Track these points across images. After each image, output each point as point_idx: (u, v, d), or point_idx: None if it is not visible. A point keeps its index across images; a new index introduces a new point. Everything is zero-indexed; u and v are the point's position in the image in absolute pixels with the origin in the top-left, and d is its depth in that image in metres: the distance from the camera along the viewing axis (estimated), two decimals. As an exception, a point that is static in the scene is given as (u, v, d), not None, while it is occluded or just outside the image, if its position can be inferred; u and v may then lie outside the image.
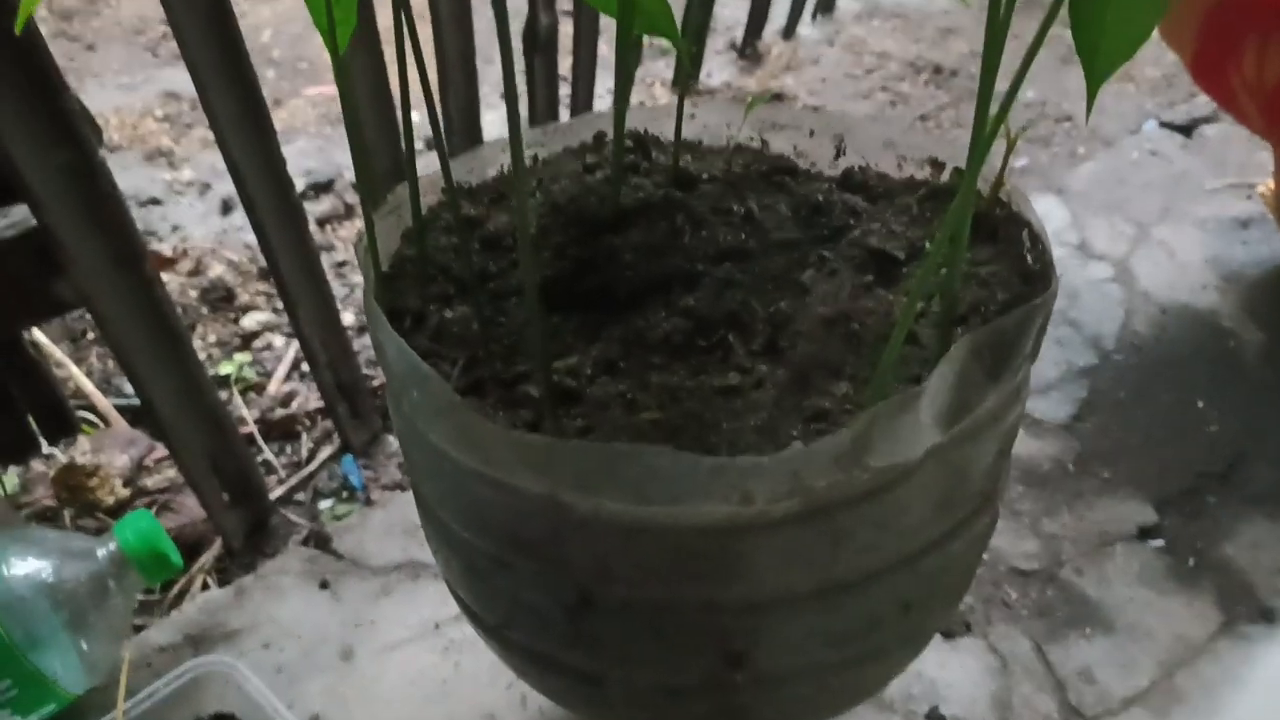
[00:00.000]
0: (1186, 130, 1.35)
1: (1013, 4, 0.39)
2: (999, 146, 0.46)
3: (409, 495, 0.89)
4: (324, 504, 0.96)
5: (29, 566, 0.63)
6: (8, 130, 0.66)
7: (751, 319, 0.49)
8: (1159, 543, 0.82)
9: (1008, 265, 0.48)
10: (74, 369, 1.01)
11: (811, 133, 0.57)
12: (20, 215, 0.71)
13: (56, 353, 1.02)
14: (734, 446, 0.42)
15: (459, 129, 1.14)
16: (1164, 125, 1.38)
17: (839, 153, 0.57)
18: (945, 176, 0.54)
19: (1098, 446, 0.90)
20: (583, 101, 1.41)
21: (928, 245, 0.50)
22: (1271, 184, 1.09)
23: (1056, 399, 0.94)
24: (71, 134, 0.69)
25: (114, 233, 0.73)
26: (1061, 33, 0.35)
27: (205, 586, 0.85)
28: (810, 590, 0.41)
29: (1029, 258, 0.48)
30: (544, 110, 1.27)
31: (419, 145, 1.46)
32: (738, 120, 0.59)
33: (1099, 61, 0.42)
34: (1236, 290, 1.07)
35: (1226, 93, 0.91)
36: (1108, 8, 0.40)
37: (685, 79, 0.56)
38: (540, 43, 1.21)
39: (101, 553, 0.66)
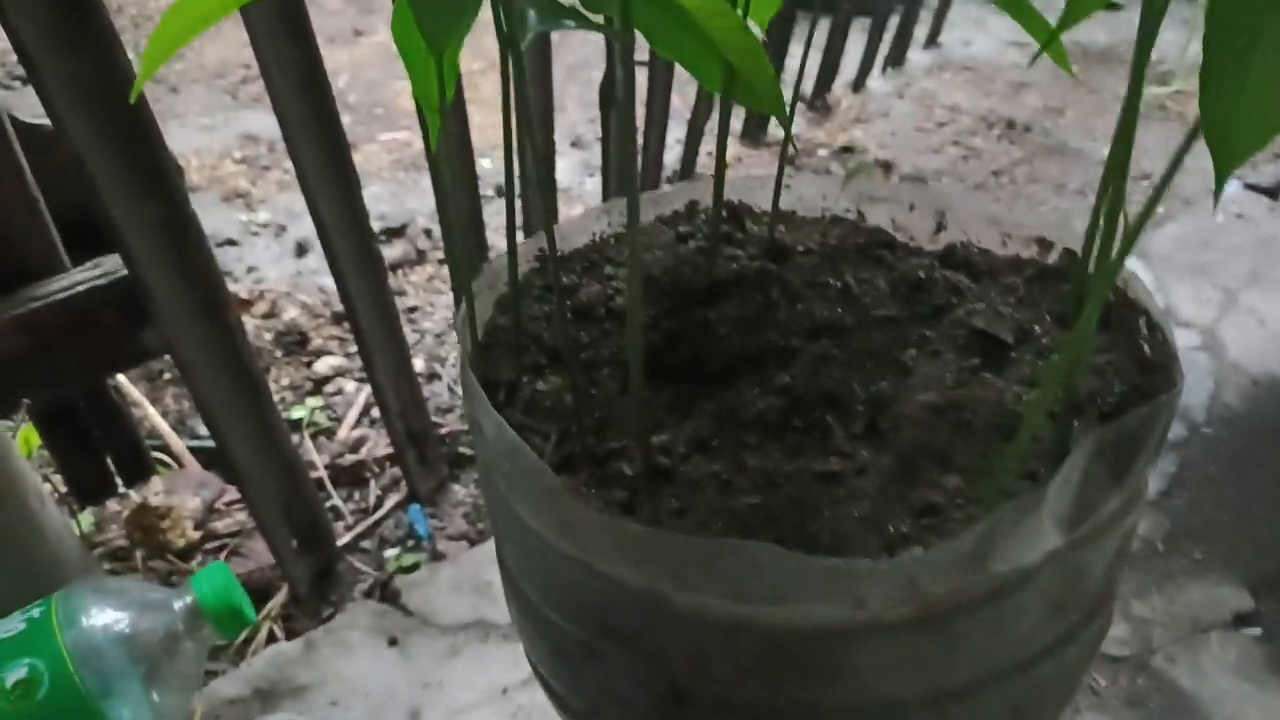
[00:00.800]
0: (1273, 193, 1.31)
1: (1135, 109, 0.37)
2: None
3: (477, 550, 0.88)
4: (390, 552, 0.95)
5: (107, 617, 0.63)
6: (105, 184, 0.67)
7: (850, 399, 0.48)
8: (1256, 631, 0.78)
9: (1124, 354, 0.46)
10: (150, 409, 1.02)
11: (911, 206, 0.56)
12: (112, 265, 0.73)
13: (134, 392, 1.04)
14: (837, 538, 0.41)
15: (535, 179, 1.15)
16: (1249, 187, 1.34)
17: (940, 227, 0.55)
18: (1053, 257, 0.52)
19: (1189, 524, 0.86)
20: (654, 152, 1.41)
21: (1037, 329, 0.48)
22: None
23: (1144, 473, 0.91)
24: (165, 188, 0.70)
25: (200, 283, 0.74)
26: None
27: (271, 634, 0.85)
28: (919, 697, 0.39)
29: (1146, 347, 0.46)
30: (625, 158, 1.27)
31: (489, 192, 1.47)
32: (833, 191, 0.57)
33: (1229, 150, 0.40)
34: (1333, 362, 1.03)
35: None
36: (1243, 94, 0.38)
37: (785, 153, 0.55)
38: (621, 97, 1.21)
39: (178, 605, 0.66)
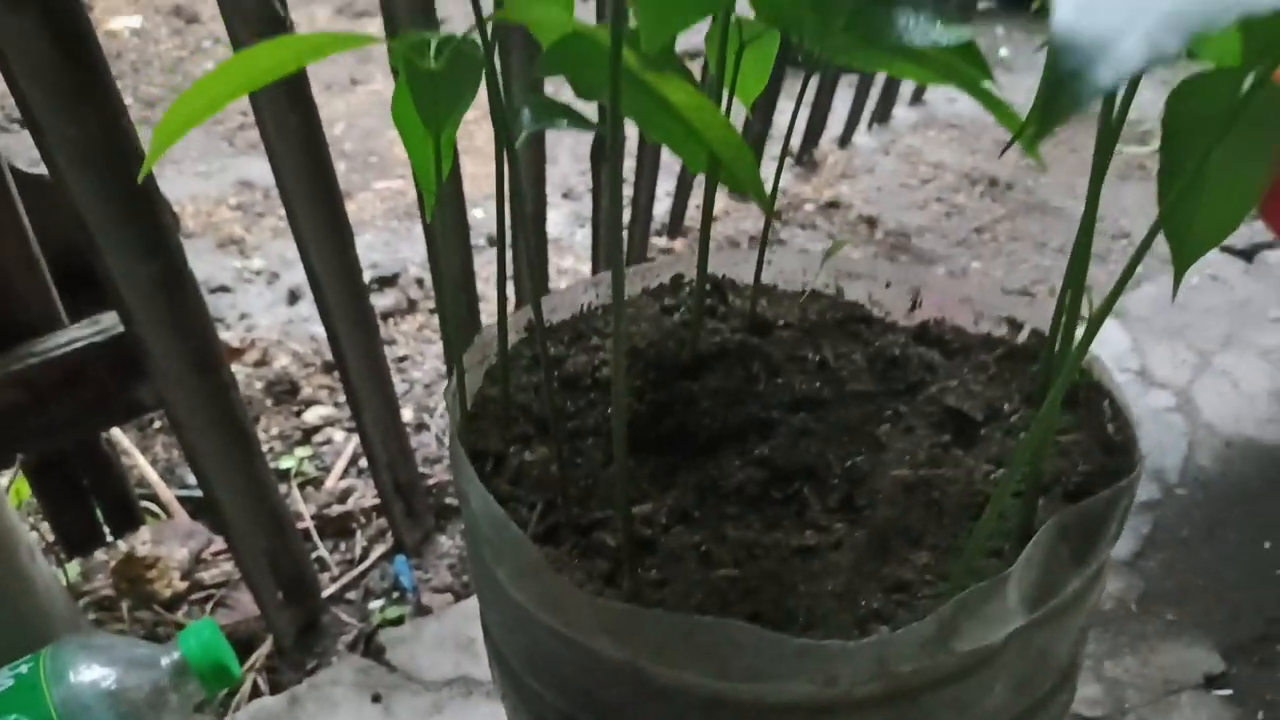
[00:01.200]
0: (1248, 255, 1.34)
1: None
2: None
3: (461, 606, 0.89)
4: (374, 604, 0.96)
5: (94, 674, 0.64)
6: (106, 243, 0.69)
7: (827, 473, 0.49)
8: (1227, 692, 0.79)
9: (1089, 434, 0.48)
10: (140, 458, 1.03)
11: (888, 284, 0.58)
12: (109, 322, 0.74)
13: (124, 441, 1.04)
14: (812, 614, 0.42)
15: (529, 238, 1.17)
16: (1224, 250, 1.37)
17: (915, 304, 0.57)
18: (1023, 336, 0.54)
19: (1162, 586, 0.88)
20: (643, 205, 1.43)
21: (1006, 407, 0.50)
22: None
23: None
24: (165, 246, 0.72)
25: (195, 339, 0.76)
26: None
27: (255, 687, 0.85)
28: (889, 770, 0.40)
29: (1110, 427, 0.48)
30: (608, 214, 1.29)
31: (481, 241, 1.49)
32: (813, 266, 0.60)
33: (1188, 246, 0.43)
34: (1304, 425, 1.05)
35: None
36: (1198, 204, 0.41)
37: (766, 233, 0.57)
38: (608, 153, 1.24)
39: (165, 661, 0.66)
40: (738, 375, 0.54)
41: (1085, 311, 0.43)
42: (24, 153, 0.74)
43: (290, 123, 0.76)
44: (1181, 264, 0.43)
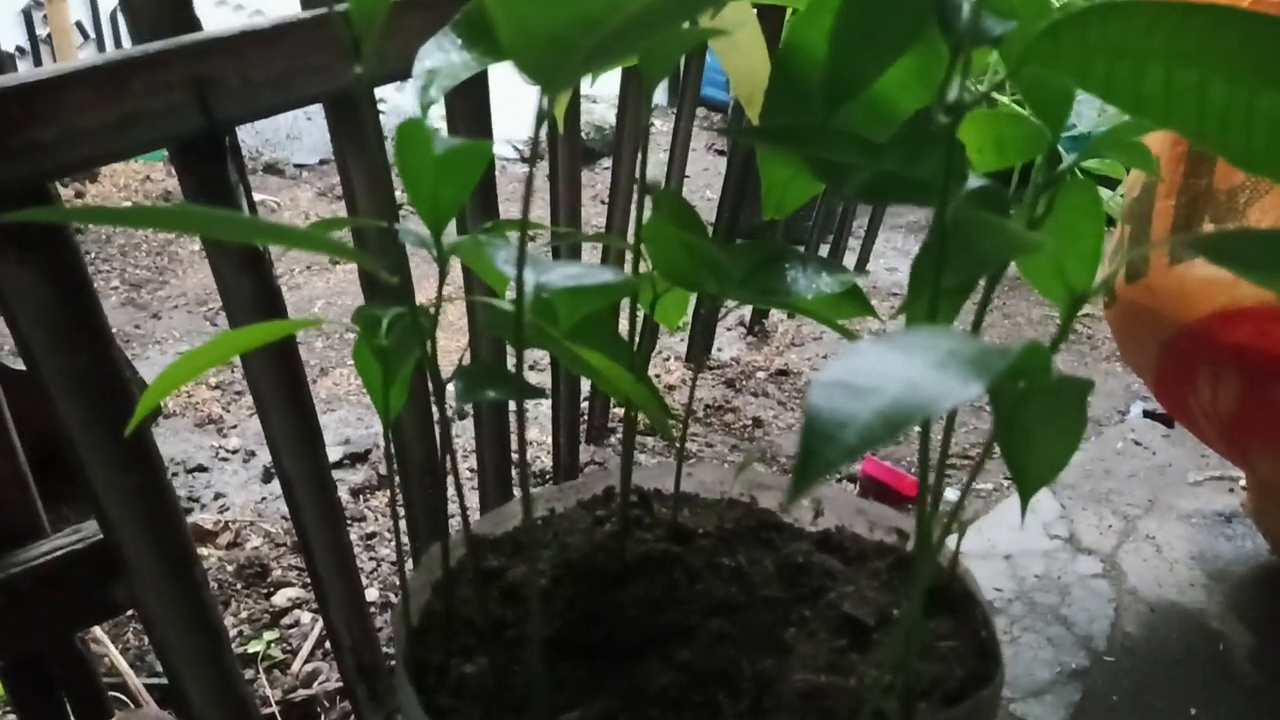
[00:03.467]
0: (1169, 421, 1.43)
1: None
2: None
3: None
4: (336, 791, 0.98)
5: None
6: (92, 461, 0.75)
7: (739, 677, 0.55)
8: None
9: (965, 641, 0.54)
10: (111, 647, 1.06)
11: (794, 495, 0.65)
12: (90, 530, 0.79)
13: (96, 630, 1.08)
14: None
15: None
16: (1147, 415, 1.46)
17: (818, 513, 0.64)
18: (910, 545, 0.61)
19: (1093, 755, 0.92)
20: (601, 398, 1.51)
21: (895, 613, 0.57)
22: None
23: (1051, 703, 0.97)
24: (147, 459, 0.78)
25: (171, 544, 0.81)
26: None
27: None
28: None
29: (983, 633, 0.54)
30: (566, 416, 1.36)
31: (451, 414, 1.56)
32: (729, 479, 0.67)
33: (1028, 482, 0.50)
34: (1223, 589, 1.12)
35: (1188, 416, 1.00)
36: (1030, 456, 0.48)
37: (681, 451, 0.64)
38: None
39: None
40: (661, 583, 0.60)
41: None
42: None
43: (269, 353, 0.84)
44: (1025, 497, 0.50)
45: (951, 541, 0.56)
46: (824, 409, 0.27)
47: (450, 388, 0.50)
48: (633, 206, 1.22)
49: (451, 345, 1.80)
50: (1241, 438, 0.93)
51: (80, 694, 0.93)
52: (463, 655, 0.57)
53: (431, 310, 0.50)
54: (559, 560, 0.61)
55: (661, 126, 3.24)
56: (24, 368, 0.81)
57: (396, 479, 1.39)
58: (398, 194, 1.42)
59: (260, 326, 0.49)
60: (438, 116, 0.60)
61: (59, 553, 0.77)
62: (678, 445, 0.60)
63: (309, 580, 1.24)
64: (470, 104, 0.97)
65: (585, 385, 1.45)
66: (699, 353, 1.63)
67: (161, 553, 0.80)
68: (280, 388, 0.88)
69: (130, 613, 1.17)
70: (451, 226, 0.48)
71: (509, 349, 1.13)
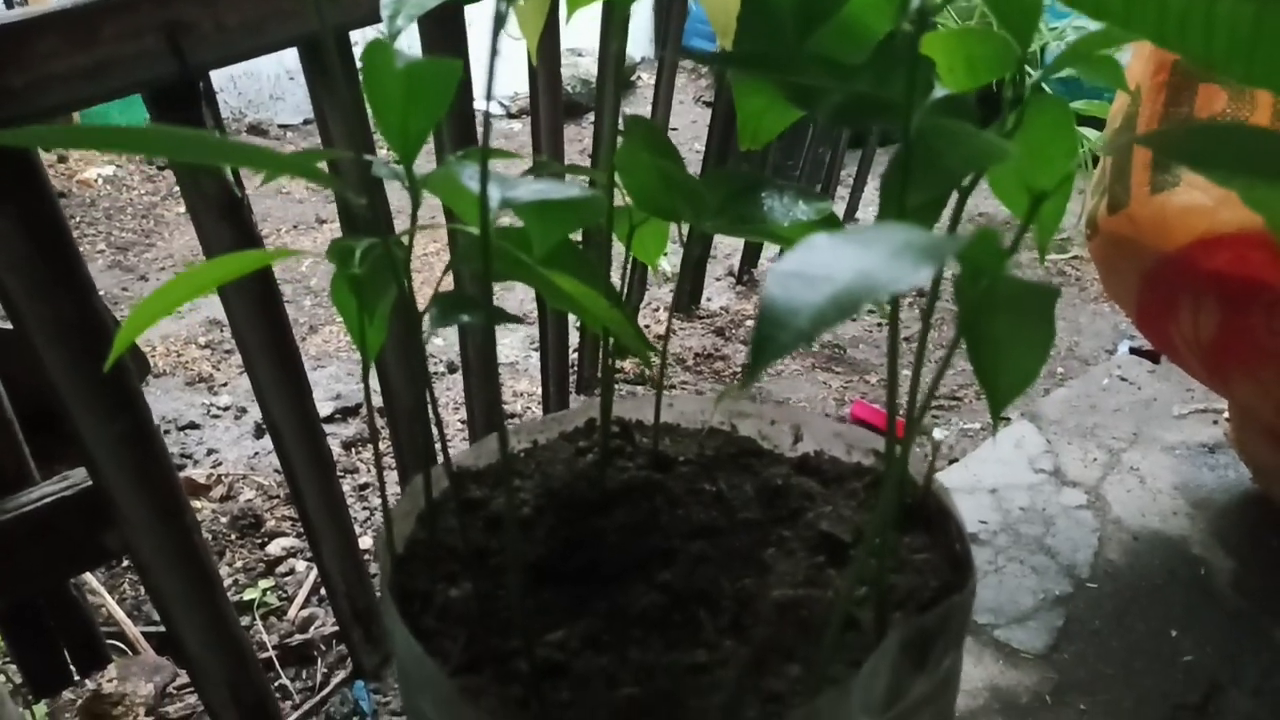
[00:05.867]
0: (1155, 356, 1.44)
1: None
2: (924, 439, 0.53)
3: (416, 728, 0.93)
4: (335, 731, 1.00)
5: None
6: (77, 407, 0.75)
7: (720, 595, 0.56)
8: (1139, 779, 0.84)
9: (939, 554, 0.55)
10: (108, 597, 1.08)
11: (773, 421, 0.66)
12: (78, 477, 0.80)
13: (92, 581, 1.09)
14: (699, 725, 0.48)
15: (476, 357, 1.25)
16: (1134, 351, 1.47)
17: (797, 438, 0.65)
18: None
19: (1075, 677, 0.94)
20: (590, 343, 1.52)
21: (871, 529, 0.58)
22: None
23: (1034, 628, 0.99)
24: (131, 405, 0.79)
25: (160, 490, 0.82)
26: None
27: (217, 820, 0.88)
28: None
29: (957, 546, 0.55)
30: (555, 366, 1.37)
31: (441, 368, 1.57)
32: (709, 408, 0.67)
33: (999, 394, 0.51)
34: (1206, 516, 1.13)
35: (1169, 346, 1.00)
36: (999, 368, 0.49)
37: (660, 384, 0.65)
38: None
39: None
40: (643, 509, 0.61)
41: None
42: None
43: (246, 284, 0.84)
44: (996, 409, 0.51)
45: (926, 457, 0.57)
46: (779, 297, 0.28)
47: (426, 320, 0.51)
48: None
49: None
50: (1222, 364, 0.94)
51: (77, 642, 0.94)
52: (447, 581, 0.58)
53: (405, 240, 0.51)
54: (541, 489, 0.62)
55: (648, 80, 3.21)
56: (10, 326, 0.82)
57: (379, 418, 1.40)
58: (377, 142, 1.41)
59: (234, 256, 0.49)
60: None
61: (49, 499, 0.78)
62: (658, 372, 0.61)
63: (302, 530, 1.25)
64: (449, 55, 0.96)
65: (574, 340, 1.45)
66: (687, 302, 1.63)
67: (151, 499, 0.81)
68: (265, 337, 0.88)
69: (125, 564, 1.18)
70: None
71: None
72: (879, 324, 1.74)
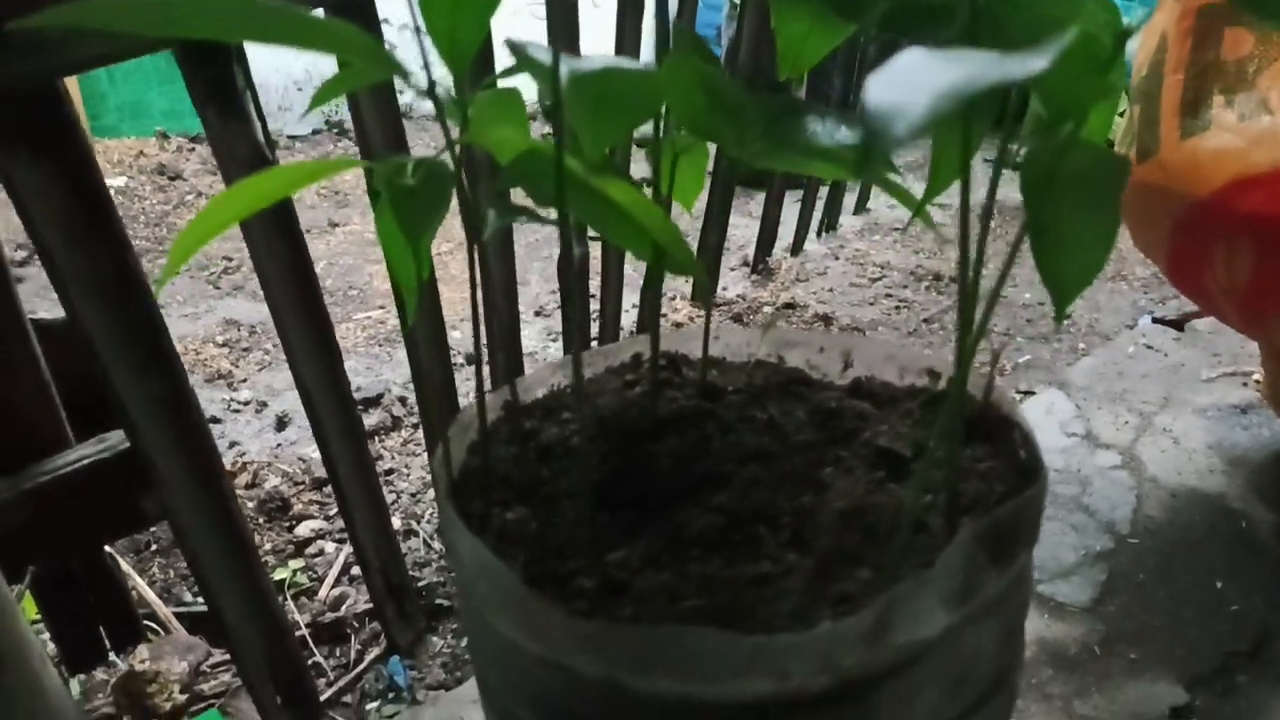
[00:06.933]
0: (1179, 325, 1.44)
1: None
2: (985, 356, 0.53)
3: (454, 694, 0.92)
4: (371, 705, 0.99)
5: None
6: (114, 365, 0.75)
7: (778, 513, 0.55)
8: (1193, 725, 0.83)
9: (1004, 461, 0.54)
10: (138, 580, 1.07)
11: (821, 349, 0.65)
12: (115, 439, 0.80)
13: (122, 564, 1.08)
14: (770, 629, 0.47)
15: (501, 345, 1.24)
16: (1157, 321, 1.46)
17: (847, 365, 0.64)
18: (942, 384, 0.61)
19: (1122, 628, 0.92)
20: (611, 316, 1.52)
21: (931, 444, 0.57)
22: (1263, 374, 1.16)
23: (1077, 583, 0.97)
24: (168, 368, 0.78)
25: (197, 453, 0.81)
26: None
27: (257, 794, 0.87)
28: (845, 764, 0.45)
29: (1022, 454, 0.54)
30: (578, 325, 1.37)
31: (460, 360, 1.56)
32: (756, 340, 0.67)
33: (1063, 293, 0.50)
34: (1243, 473, 1.12)
35: (1203, 294, 1.00)
36: (1061, 259, 0.48)
37: (709, 300, 0.64)
38: (575, 270, 1.33)
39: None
40: (694, 436, 0.60)
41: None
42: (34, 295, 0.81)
43: (280, 249, 0.84)
44: (1061, 305, 0.50)
45: (985, 371, 0.56)
46: (885, 94, 0.27)
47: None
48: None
49: (455, 297, 1.80)
50: (1259, 308, 0.93)
51: (112, 617, 0.93)
52: (502, 506, 0.57)
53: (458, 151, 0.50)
54: (592, 420, 0.61)
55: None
56: (48, 318, 0.82)
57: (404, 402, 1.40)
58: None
59: (274, 170, 0.48)
60: None
61: (86, 461, 0.78)
62: (706, 299, 0.60)
63: (331, 512, 1.24)
64: None
65: (594, 305, 1.45)
66: (708, 298, 1.62)
67: (189, 461, 0.81)
68: (296, 302, 0.88)
69: (155, 548, 1.17)
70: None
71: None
72: (896, 308, 1.73)
